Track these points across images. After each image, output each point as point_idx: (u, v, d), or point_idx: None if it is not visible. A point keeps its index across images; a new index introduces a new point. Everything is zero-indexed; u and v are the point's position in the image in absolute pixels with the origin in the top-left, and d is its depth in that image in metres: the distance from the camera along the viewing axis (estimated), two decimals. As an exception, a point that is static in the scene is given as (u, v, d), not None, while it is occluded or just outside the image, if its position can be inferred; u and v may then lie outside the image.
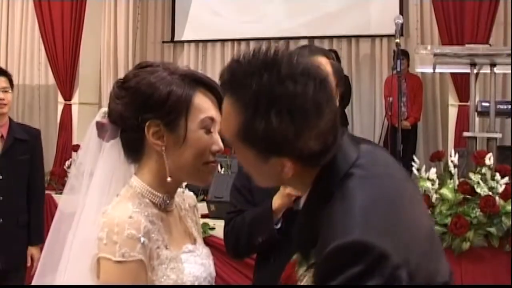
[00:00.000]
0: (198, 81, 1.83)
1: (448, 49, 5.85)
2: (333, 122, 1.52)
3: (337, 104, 2.51)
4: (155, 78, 1.79)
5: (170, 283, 1.74)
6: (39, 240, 4.46)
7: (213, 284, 1.92)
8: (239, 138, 1.53)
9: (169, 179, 1.79)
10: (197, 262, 1.85)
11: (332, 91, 1.56)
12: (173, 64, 1.89)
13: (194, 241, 1.93)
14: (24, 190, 4.67)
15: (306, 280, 1.53)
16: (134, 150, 1.84)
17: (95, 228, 1.73)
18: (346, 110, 9.13)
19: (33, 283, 1.96)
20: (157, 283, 1.73)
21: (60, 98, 9.42)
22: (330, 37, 9.90)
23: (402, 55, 8.26)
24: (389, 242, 1.41)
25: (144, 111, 1.77)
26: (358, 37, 9.89)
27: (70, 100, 9.29)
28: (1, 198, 4.47)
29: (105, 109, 1.89)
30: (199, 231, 2.02)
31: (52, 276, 1.87)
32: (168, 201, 1.85)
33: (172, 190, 1.86)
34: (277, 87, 1.46)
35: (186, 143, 1.78)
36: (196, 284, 1.80)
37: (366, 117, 9.86)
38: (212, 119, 1.81)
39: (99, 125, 1.86)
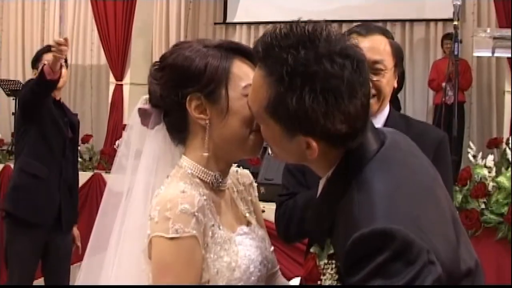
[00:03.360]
0: (235, 49, 1.77)
1: (507, 33, 5.68)
2: (364, 107, 1.49)
3: (395, 85, 2.45)
4: (190, 52, 1.75)
5: (224, 265, 1.67)
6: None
7: (269, 268, 1.85)
8: (267, 112, 1.51)
9: (205, 154, 1.74)
10: (252, 244, 1.77)
11: (368, 74, 1.52)
12: (208, 39, 1.84)
13: (248, 223, 1.86)
14: (74, 162, 4.91)
15: (330, 272, 1.53)
16: (179, 131, 1.79)
17: (145, 210, 1.69)
18: (398, 95, 8.99)
19: (83, 262, 1.94)
20: (210, 262, 1.67)
21: (112, 78, 9.50)
22: (384, 21, 9.75)
23: (449, 39, 8.13)
24: (411, 228, 1.40)
25: (183, 86, 1.73)
26: (412, 21, 9.74)
27: (121, 80, 9.37)
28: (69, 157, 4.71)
29: (146, 96, 1.84)
30: (258, 210, 1.96)
31: (100, 256, 1.84)
32: (220, 180, 1.79)
33: (224, 167, 1.80)
34: (313, 65, 1.43)
35: (230, 113, 1.72)
36: (251, 268, 1.73)
37: (419, 103, 9.73)
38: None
39: (142, 112, 1.82)
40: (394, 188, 1.47)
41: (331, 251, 1.54)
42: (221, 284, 1.67)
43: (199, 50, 1.75)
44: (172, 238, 1.60)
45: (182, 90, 1.73)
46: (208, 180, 1.76)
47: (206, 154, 1.74)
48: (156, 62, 1.83)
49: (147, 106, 1.81)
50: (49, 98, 4.50)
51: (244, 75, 1.73)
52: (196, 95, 1.72)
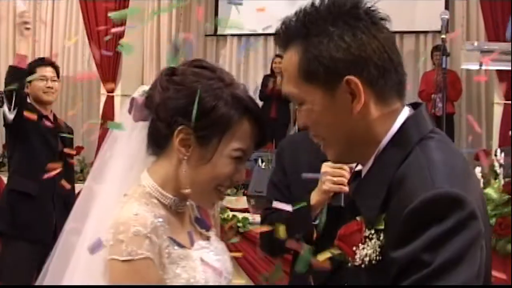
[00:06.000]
0: (248, 109, 1.71)
1: (495, 46, 5.74)
2: (391, 41, 1.51)
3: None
4: (205, 86, 1.68)
5: (183, 282, 1.66)
6: None
7: (230, 280, 1.83)
8: (303, 76, 1.48)
9: (187, 190, 1.71)
10: (210, 258, 1.76)
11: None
12: (230, 75, 1.77)
13: (206, 238, 1.84)
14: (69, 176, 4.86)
15: (372, 244, 1.44)
16: (156, 144, 1.75)
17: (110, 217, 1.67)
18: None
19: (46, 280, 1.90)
20: (169, 283, 1.66)
21: (103, 90, 9.52)
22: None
23: (438, 50, 8.19)
24: (473, 200, 1.34)
25: (180, 114, 1.68)
26: (402, 33, 9.78)
27: (112, 92, 9.38)
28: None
29: (147, 88, 1.79)
30: (217, 224, 1.94)
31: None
32: (179, 203, 1.76)
33: (184, 195, 1.76)
34: (330, 8, 1.47)
35: (209, 164, 1.69)
36: (211, 281, 1.72)
37: (409, 114, 9.75)
38: (245, 152, 1.72)
39: (134, 102, 1.78)
40: (457, 162, 1.43)
41: (381, 227, 1.43)
42: None
43: (214, 89, 1.69)
44: (125, 261, 1.59)
45: (177, 117, 1.68)
46: (166, 203, 1.73)
47: (187, 191, 1.71)
48: (170, 69, 1.77)
49: (141, 100, 1.77)
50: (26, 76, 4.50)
51: (242, 138, 1.70)
52: (187, 130, 1.68)
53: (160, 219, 1.66)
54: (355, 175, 1.62)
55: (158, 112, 1.72)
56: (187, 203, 1.81)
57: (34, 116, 4.19)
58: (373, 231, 1.44)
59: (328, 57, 1.44)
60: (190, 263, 1.70)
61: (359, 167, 1.58)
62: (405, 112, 1.50)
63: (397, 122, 1.49)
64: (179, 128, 1.68)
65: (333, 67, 1.44)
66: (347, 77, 1.43)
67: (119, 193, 1.75)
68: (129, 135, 1.81)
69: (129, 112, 1.79)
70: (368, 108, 1.46)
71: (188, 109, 1.67)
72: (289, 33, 1.51)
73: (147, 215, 1.63)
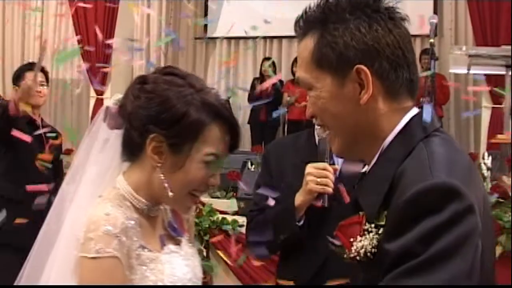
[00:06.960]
0: (219, 114, 1.73)
1: (483, 50, 5.78)
2: (407, 39, 1.53)
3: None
4: (176, 94, 1.70)
5: (150, 284, 1.69)
6: None
7: (200, 284, 1.86)
8: (315, 62, 1.49)
9: (171, 193, 1.71)
10: (180, 263, 1.78)
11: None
12: (201, 80, 1.79)
13: (178, 242, 1.86)
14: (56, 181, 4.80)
15: (370, 237, 1.43)
16: (130, 151, 1.77)
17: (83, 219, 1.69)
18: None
19: (23, 280, 1.92)
20: (136, 283, 1.68)
21: (92, 93, 9.51)
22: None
23: (426, 54, 8.23)
24: (474, 197, 1.32)
25: (152, 122, 1.69)
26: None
27: (102, 94, 9.37)
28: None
29: (120, 96, 1.80)
30: (191, 228, 1.96)
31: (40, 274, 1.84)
32: (152, 208, 1.78)
33: (157, 200, 1.79)
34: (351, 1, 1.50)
35: (181, 170, 1.71)
36: (179, 284, 1.74)
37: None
38: (217, 157, 1.73)
39: (108, 111, 1.79)
40: (460, 158, 1.43)
41: (382, 223, 1.42)
42: None
43: (185, 96, 1.70)
44: (93, 258, 1.62)
45: (149, 125, 1.70)
46: (139, 207, 1.75)
47: (171, 194, 1.71)
48: (141, 77, 1.78)
49: (114, 109, 1.78)
50: (17, 121, 4.48)
51: (214, 142, 1.72)
52: (160, 138, 1.69)
53: (132, 222, 1.69)
54: (361, 176, 1.61)
55: (131, 121, 1.73)
56: (161, 207, 1.83)
57: (28, 138, 4.18)
58: (373, 225, 1.44)
59: (342, 43, 1.45)
60: (159, 266, 1.72)
61: (365, 168, 1.58)
62: (413, 112, 1.50)
63: (404, 119, 1.49)
64: (151, 136, 1.69)
65: (345, 54, 1.46)
66: (358, 66, 1.44)
67: (94, 195, 1.77)
68: (104, 142, 1.83)
69: (104, 120, 1.80)
70: (376, 101, 1.46)
71: (159, 117, 1.69)
72: (308, 20, 1.53)
73: (118, 215, 1.66)
